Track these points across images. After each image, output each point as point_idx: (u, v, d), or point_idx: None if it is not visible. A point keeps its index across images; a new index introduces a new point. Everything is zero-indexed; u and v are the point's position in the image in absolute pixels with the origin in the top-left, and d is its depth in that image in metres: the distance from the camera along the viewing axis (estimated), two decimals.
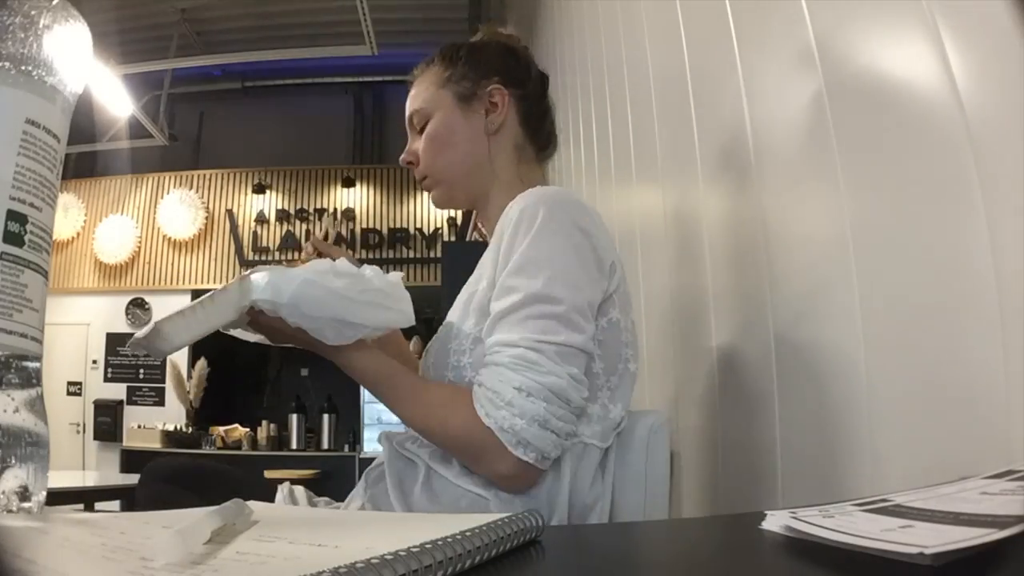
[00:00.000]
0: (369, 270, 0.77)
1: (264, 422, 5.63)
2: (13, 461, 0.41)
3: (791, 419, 0.82)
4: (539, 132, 0.99)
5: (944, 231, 0.56)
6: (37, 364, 0.44)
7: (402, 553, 0.27)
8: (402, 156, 0.98)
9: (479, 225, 0.93)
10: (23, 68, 0.44)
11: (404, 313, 0.77)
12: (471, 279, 0.89)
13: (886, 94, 0.63)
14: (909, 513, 0.32)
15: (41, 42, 0.44)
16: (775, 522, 0.34)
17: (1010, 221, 0.48)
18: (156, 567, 0.29)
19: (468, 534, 0.32)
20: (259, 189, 6.37)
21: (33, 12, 0.44)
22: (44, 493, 0.43)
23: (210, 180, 6.47)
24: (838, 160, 0.70)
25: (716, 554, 0.39)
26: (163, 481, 1.03)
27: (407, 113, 0.97)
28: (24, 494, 0.41)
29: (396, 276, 0.77)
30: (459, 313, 0.85)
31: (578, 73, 2.23)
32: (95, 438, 5.85)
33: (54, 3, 0.46)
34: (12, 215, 0.42)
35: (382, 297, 0.75)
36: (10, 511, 0.40)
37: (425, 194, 1.00)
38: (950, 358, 0.55)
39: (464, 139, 0.94)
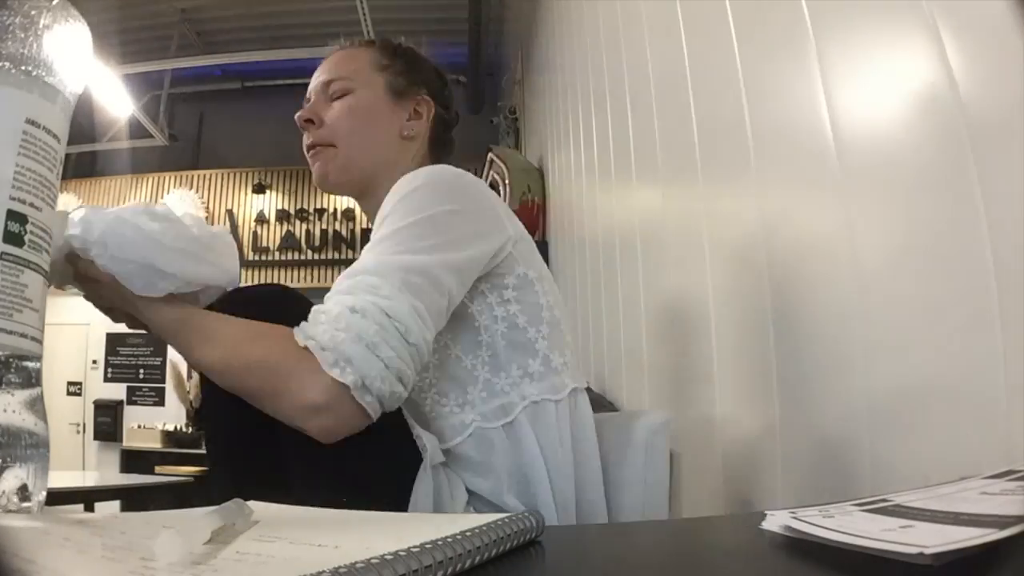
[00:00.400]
0: (190, 218, 0.68)
1: None
2: (13, 461, 0.41)
3: (791, 419, 0.82)
4: (439, 161, 0.98)
5: (944, 230, 0.56)
6: (37, 364, 0.44)
7: (402, 553, 0.27)
8: (301, 112, 0.93)
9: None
10: (23, 68, 0.44)
11: (225, 270, 0.67)
12: None
13: (886, 94, 0.63)
14: (909, 513, 0.32)
15: (41, 42, 0.44)
16: (775, 522, 0.34)
17: (1010, 220, 0.48)
18: (156, 567, 0.29)
19: (468, 534, 0.32)
20: (259, 189, 6.36)
21: (33, 12, 0.44)
22: (44, 493, 0.43)
23: (210, 180, 6.46)
24: (838, 160, 0.70)
25: (716, 554, 0.39)
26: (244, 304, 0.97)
27: (322, 77, 0.94)
28: (24, 494, 0.41)
29: (222, 229, 0.69)
30: None
31: (578, 73, 2.23)
32: (95, 438, 5.85)
33: (54, 3, 0.46)
34: (12, 215, 0.42)
35: (201, 248, 0.66)
36: (10, 511, 0.40)
37: None
38: (950, 358, 0.55)
39: (384, 128, 0.94)
